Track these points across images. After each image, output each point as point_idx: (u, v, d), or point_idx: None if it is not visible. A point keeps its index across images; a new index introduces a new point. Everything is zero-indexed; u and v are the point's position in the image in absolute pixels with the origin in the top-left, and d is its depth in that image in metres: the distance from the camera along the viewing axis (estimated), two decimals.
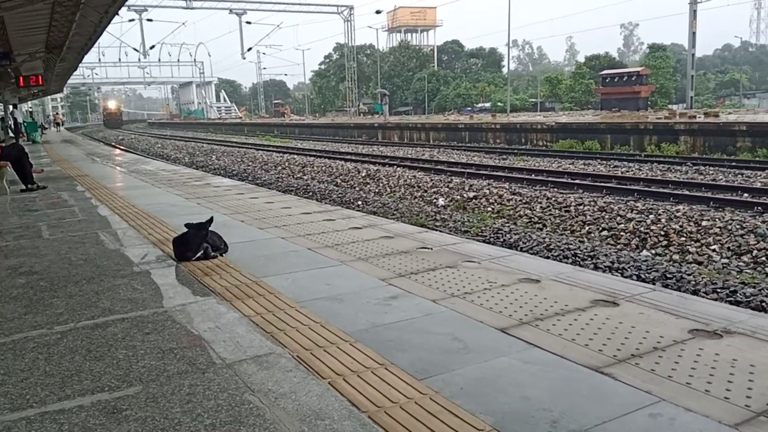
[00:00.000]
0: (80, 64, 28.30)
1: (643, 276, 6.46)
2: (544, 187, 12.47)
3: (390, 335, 2.94)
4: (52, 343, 3.01)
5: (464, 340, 2.86)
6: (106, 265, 4.61)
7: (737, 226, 7.92)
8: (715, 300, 5.48)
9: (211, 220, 4.79)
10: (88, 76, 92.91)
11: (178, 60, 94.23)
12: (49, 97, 73.92)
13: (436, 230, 8.22)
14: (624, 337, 2.83)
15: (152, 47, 65.73)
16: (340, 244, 5.04)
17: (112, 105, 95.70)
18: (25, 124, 32.07)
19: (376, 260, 4.44)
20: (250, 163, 21.23)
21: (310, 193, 13.28)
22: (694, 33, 32.87)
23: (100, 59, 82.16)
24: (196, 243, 4.60)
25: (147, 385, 2.49)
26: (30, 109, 50.43)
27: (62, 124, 65.31)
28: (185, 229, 4.71)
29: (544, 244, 7.98)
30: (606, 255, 7.34)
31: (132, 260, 4.74)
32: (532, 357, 2.65)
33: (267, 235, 5.52)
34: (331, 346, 2.82)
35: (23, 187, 9.89)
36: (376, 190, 13.74)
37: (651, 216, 8.79)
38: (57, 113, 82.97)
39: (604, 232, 8.62)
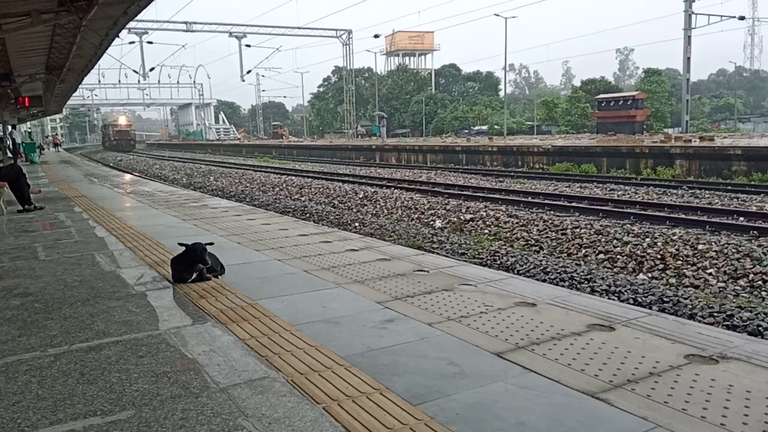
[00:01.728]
0: (80, 86, 28.49)
1: (639, 300, 6.47)
2: (540, 210, 12.51)
3: (385, 359, 2.93)
4: (45, 366, 2.99)
5: (460, 364, 2.85)
6: (102, 286, 4.59)
7: (733, 250, 7.94)
8: (712, 324, 5.48)
9: (210, 244, 4.77)
10: (88, 97, 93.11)
11: (178, 82, 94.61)
12: (48, 117, 74.25)
13: (433, 252, 8.23)
14: (620, 362, 2.82)
15: (152, 69, 66.18)
16: (336, 266, 5.04)
17: (122, 121, 79.66)
18: (24, 144, 32.13)
19: (372, 283, 4.43)
20: (248, 185, 21.28)
21: (308, 215, 13.30)
22: (688, 58, 33.31)
23: (99, 80, 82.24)
24: (192, 263, 4.59)
25: (140, 409, 2.47)
26: (29, 130, 50.61)
27: (60, 145, 65.50)
28: (182, 250, 4.70)
29: (541, 267, 7.98)
30: (603, 278, 7.35)
31: (128, 282, 4.73)
32: (528, 382, 2.64)
33: (263, 257, 5.51)
34: (326, 370, 2.80)
35: (20, 207, 9.88)
36: (374, 212, 13.76)
37: (647, 239, 8.81)
38: (56, 134, 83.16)
39: (601, 255, 8.63)
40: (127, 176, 21.58)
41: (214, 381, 2.72)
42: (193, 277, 4.56)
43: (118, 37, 12.78)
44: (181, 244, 4.67)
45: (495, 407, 2.41)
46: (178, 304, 4.06)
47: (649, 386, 2.55)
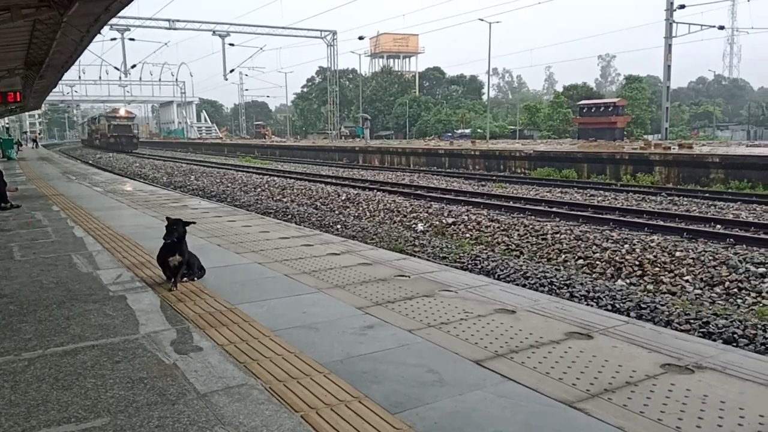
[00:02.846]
0: (60, 81, 28.09)
1: (617, 305, 6.53)
2: (521, 215, 12.58)
3: (365, 366, 2.92)
4: (19, 371, 2.94)
5: (439, 372, 2.85)
6: (78, 289, 4.53)
7: (710, 258, 8.05)
8: (688, 331, 5.55)
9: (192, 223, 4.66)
10: (68, 93, 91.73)
11: (160, 79, 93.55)
12: (26, 113, 73.00)
13: (415, 256, 8.23)
14: (597, 371, 2.84)
15: (134, 66, 65.06)
16: (317, 270, 5.02)
17: (122, 111, 62.81)
18: (2, 140, 31.60)
19: (353, 288, 4.42)
20: (230, 184, 21.13)
21: (289, 216, 13.24)
22: (669, 66, 33.75)
23: (80, 77, 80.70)
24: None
25: (115, 416, 2.44)
26: (6, 125, 49.77)
27: (38, 141, 64.54)
28: (160, 252, 4.64)
29: (521, 272, 8.03)
30: (582, 284, 7.41)
31: (105, 284, 4.67)
32: (507, 390, 2.65)
33: (244, 260, 5.47)
34: (305, 377, 2.79)
35: None
36: (356, 214, 13.74)
37: (626, 246, 8.91)
38: (35, 131, 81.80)
39: (580, 261, 8.70)
40: (106, 174, 21.31)
41: (191, 388, 2.70)
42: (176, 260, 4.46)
43: (100, 33, 12.61)
44: (168, 218, 4.58)
45: (473, 416, 2.41)
46: (156, 308, 4.01)
47: (625, 396, 2.57)
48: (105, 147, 59.09)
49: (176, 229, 4.46)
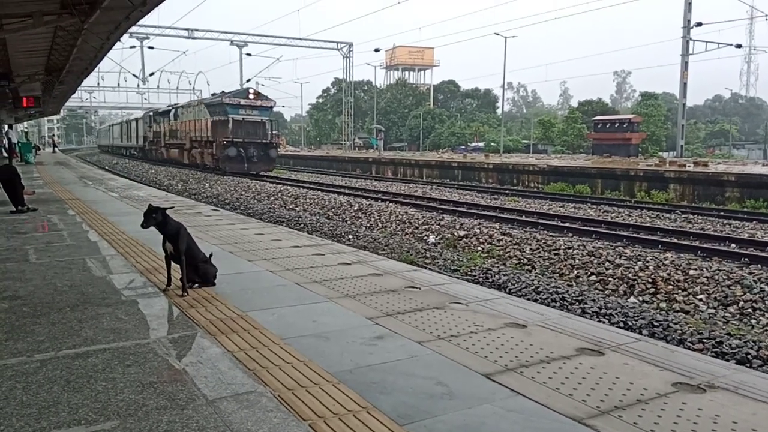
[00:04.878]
0: (79, 88, 28.46)
1: (629, 323, 6.47)
2: (534, 229, 12.53)
3: (374, 377, 2.92)
4: (31, 372, 2.97)
5: (448, 385, 2.84)
6: (92, 292, 4.56)
7: (724, 277, 7.97)
8: (701, 351, 5.49)
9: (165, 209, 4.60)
10: (86, 99, 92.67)
11: (177, 87, 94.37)
12: (45, 118, 74.05)
13: (426, 268, 8.22)
14: (608, 388, 2.82)
15: (152, 74, 65.95)
16: (328, 279, 5.03)
17: (251, 94, 31.42)
18: (20, 144, 32.03)
19: (363, 298, 4.42)
20: (243, 193, 21.24)
21: (302, 225, 13.28)
22: (685, 83, 33.62)
23: (99, 83, 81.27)
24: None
25: (124, 420, 2.45)
26: (25, 130, 50.46)
27: (56, 146, 65.49)
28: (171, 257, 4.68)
29: (533, 287, 7.99)
30: (594, 300, 7.36)
31: (118, 288, 4.70)
32: (516, 405, 2.63)
33: (255, 268, 5.50)
34: (314, 386, 2.79)
35: (13, 208, 9.83)
36: (368, 225, 13.76)
37: (639, 263, 8.84)
38: (53, 135, 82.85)
39: (593, 277, 8.65)
40: (122, 180, 21.51)
41: (201, 393, 2.71)
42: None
43: (119, 41, 12.81)
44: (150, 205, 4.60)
45: (482, 430, 2.40)
46: (167, 313, 4.04)
47: (636, 414, 2.55)
48: (213, 167, 31.77)
49: (155, 217, 4.50)
